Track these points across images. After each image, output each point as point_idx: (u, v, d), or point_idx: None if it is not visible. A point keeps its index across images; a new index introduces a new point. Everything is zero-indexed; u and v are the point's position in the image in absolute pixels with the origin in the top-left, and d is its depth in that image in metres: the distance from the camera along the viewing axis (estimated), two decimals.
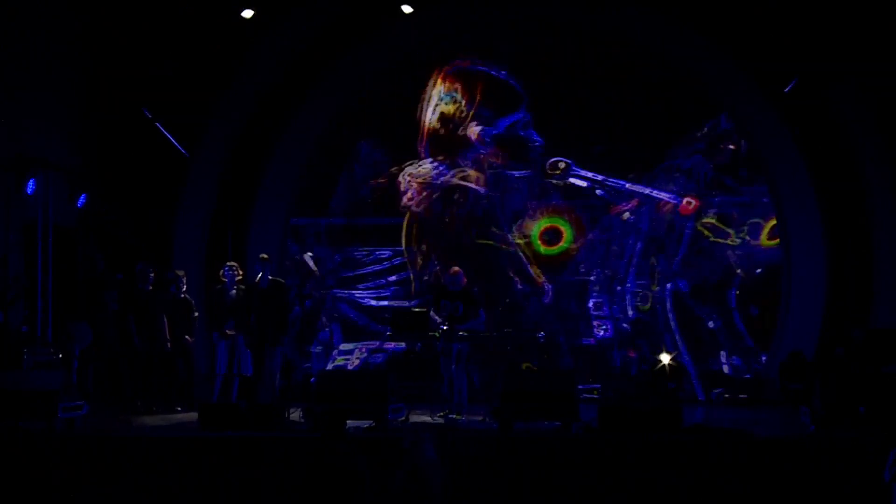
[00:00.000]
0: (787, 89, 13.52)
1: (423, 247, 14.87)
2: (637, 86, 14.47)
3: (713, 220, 14.43)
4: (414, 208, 14.86)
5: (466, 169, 14.79)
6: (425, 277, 14.80)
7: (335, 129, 14.90)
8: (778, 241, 14.24)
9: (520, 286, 14.64)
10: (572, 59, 14.55)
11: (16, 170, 12.41)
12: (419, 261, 14.88)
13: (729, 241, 14.42)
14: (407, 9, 13.63)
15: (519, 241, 14.67)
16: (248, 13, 13.23)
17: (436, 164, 14.86)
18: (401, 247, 14.91)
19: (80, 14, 13.48)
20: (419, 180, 14.84)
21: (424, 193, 14.85)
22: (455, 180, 14.81)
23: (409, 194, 14.87)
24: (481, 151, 14.77)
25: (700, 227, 14.44)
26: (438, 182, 14.81)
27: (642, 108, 14.47)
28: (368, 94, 14.87)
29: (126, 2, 13.53)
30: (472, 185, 14.75)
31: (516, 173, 14.71)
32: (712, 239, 14.39)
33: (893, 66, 13.11)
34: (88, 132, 13.95)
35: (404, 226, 14.89)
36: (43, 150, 12.80)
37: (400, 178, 14.90)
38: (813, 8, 13.23)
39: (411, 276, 14.90)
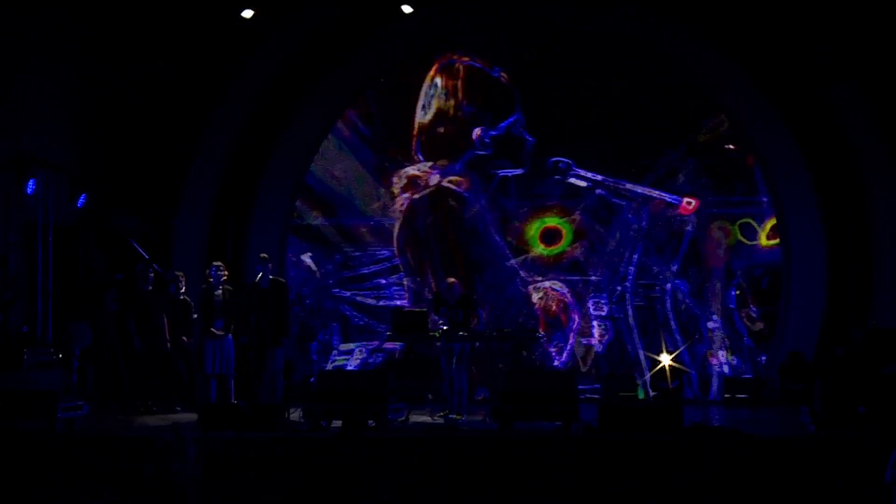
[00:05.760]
0: None
1: (413, 250, 14.87)
2: (637, 85, 14.47)
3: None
4: (402, 211, 14.86)
5: (458, 174, 14.80)
6: (419, 281, 14.81)
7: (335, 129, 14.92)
8: (778, 241, 14.25)
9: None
10: (571, 58, 14.55)
11: (16, 170, 12.40)
12: (411, 264, 14.88)
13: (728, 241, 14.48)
14: (407, 9, 13.63)
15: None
16: (248, 13, 13.23)
17: (431, 166, 14.85)
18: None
19: (80, 14, 13.47)
20: (411, 182, 14.85)
21: (413, 195, 14.86)
22: (445, 183, 14.82)
23: (400, 198, 14.89)
24: (479, 153, 14.77)
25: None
26: (430, 184, 14.81)
27: (642, 108, 14.46)
28: (367, 93, 14.88)
29: (126, 2, 13.52)
30: (459, 189, 14.76)
31: (510, 173, 14.71)
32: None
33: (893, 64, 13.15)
34: (88, 132, 13.94)
35: (396, 229, 14.90)
36: (43, 150, 12.79)
37: (395, 179, 14.90)
38: (813, 7, 13.23)
39: (405, 280, 14.89)
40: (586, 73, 14.54)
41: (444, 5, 14.34)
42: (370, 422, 10.26)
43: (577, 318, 14.57)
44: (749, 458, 9.23)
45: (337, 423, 10.46)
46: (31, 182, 12.44)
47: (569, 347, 14.54)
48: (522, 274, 14.64)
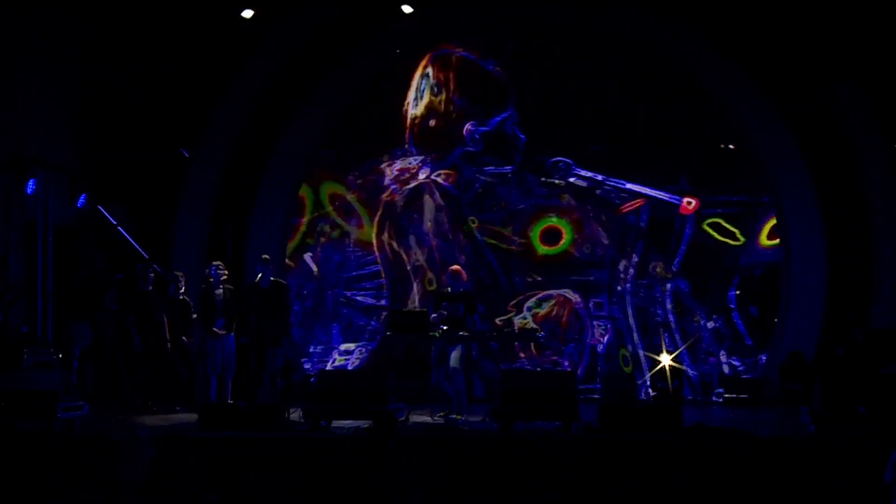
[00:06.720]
0: None
1: (392, 242, 14.85)
2: (636, 84, 14.47)
3: (719, 220, 14.44)
4: (385, 201, 14.85)
5: (448, 168, 14.79)
6: (394, 279, 14.80)
7: (335, 129, 14.90)
8: (778, 241, 14.25)
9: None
10: (571, 58, 14.55)
11: (16, 170, 12.41)
12: (390, 256, 14.86)
13: (732, 242, 14.45)
14: (407, 9, 13.63)
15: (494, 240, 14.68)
16: (248, 13, 13.24)
17: (423, 160, 14.83)
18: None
19: (80, 14, 13.48)
20: (400, 175, 14.82)
21: (402, 188, 14.84)
22: (433, 177, 14.80)
23: (389, 188, 14.88)
24: (469, 149, 14.75)
25: (706, 227, 14.43)
26: (419, 177, 14.79)
27: (642, 108, 14.46)
28: (367, 92, 14.87)
29: (126, 2, 13.53)
30: (446, 184, 14.75)
31: (500, 169, 14.70)
32: (720, 239, 14.40)
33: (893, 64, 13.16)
34: (88, 132, 13.94)
35: (376, 220, 14.88)
36: (43, 150, 12.80)
37: (386, 170, 14.89)
38: (813, 7, 13.24)
39: (383, 273, 14.87)
40: (586, 73, 14.54)
41: (443, 5, 14.33)
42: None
43: (590, 330, 14.53)
44: (749, 458, 9.24)
45: (338, 423, 10.48)
46: (31, 182, 12.45)
47: (583, 364, 14.46)
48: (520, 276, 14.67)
